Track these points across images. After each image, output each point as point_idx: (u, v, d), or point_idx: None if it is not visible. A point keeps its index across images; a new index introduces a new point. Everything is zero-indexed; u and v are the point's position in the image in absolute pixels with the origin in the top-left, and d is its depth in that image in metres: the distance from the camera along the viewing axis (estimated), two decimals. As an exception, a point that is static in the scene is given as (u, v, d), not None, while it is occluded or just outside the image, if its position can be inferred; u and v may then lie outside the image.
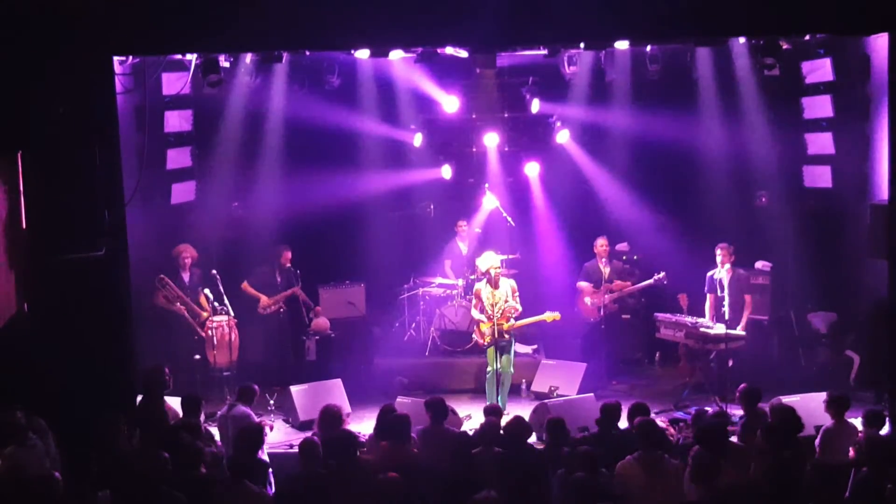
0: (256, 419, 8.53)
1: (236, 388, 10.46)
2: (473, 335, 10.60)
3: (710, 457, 6.45)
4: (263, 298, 11.41)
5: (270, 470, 7.75)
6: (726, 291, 10.51)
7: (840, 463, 7.21)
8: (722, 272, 10.59)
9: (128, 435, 7.48)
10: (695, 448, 6.59)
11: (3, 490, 6.39)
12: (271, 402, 10.30)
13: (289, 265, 11.51)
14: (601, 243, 11.66)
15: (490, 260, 10.19)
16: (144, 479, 6.42)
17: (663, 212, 12.48)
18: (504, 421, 7.90)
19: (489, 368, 10.14)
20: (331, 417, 7.79)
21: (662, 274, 11.31)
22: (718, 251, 10.65)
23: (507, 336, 10.06)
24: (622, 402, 8.15)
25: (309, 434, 7.82)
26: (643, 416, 7.41)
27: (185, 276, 10.96)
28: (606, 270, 11.57)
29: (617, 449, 7.13)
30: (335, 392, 10.19)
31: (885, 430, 7.41)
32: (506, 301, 10.03)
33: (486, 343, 10.16)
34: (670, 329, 10.88)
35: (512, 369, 10.29)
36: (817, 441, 7.73)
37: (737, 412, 9.06)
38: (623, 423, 7.96)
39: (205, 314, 10.76)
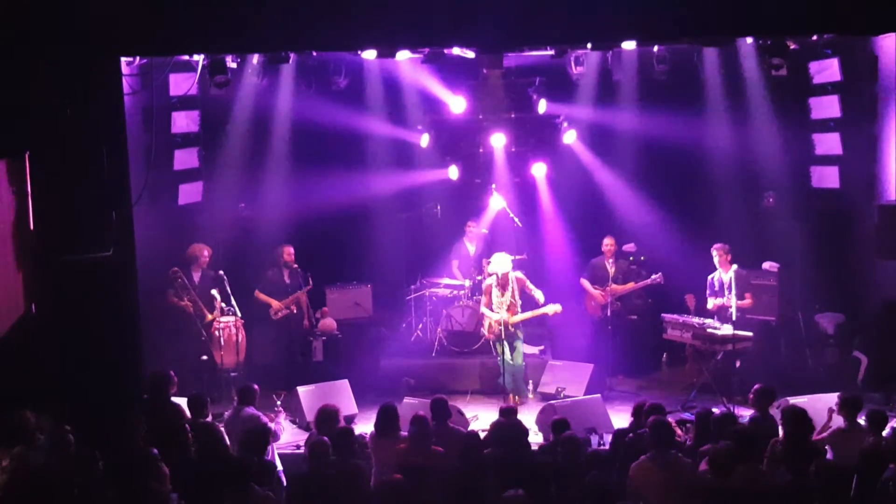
0: (265, 420, 8.50)
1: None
2: (483, 329, 10.98)
3: (726, 451, 6.44)
4: (274, 303, 11.38)
5: (282, 470, 7.74)
6: (734, 292, 10.51)
7: (848, 465, 7.18)
8: (727, 273, 10.60)
9: (145, 435, 7.48)
10: (707, 445, 6.57)
11: (12, 489, 6.40)
12: (278, 402, 10.29)
13: (294, 263, 11.44)
14: (608, 242, 11.72)
15: (500, 264, 10.58)
16: (155, 478, 6.44)
17: (670, 212, 12.43)
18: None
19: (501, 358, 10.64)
20: (327, 417, 7.73)
21: (659, 275, 11.40)
22: (715, 252, 10.72)
23: (511, 329, 10.60)
24: (628, 404, 8.13)
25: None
26: (656, 416, 7.37)
27: (196, 276, 10.95)
28: (612, 269, 11.60)
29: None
30: (342, 393, 10.19)
31: (886, 432, 7.38)
32: (511, 299, 10.49)
33: (493, 338, 10.67)
34: (677, 330, 10.86)
35: (522, 360, 10.78)
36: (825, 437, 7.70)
37: (744, 413, 9.02)
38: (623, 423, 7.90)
39: (209, 315, 10.74)
